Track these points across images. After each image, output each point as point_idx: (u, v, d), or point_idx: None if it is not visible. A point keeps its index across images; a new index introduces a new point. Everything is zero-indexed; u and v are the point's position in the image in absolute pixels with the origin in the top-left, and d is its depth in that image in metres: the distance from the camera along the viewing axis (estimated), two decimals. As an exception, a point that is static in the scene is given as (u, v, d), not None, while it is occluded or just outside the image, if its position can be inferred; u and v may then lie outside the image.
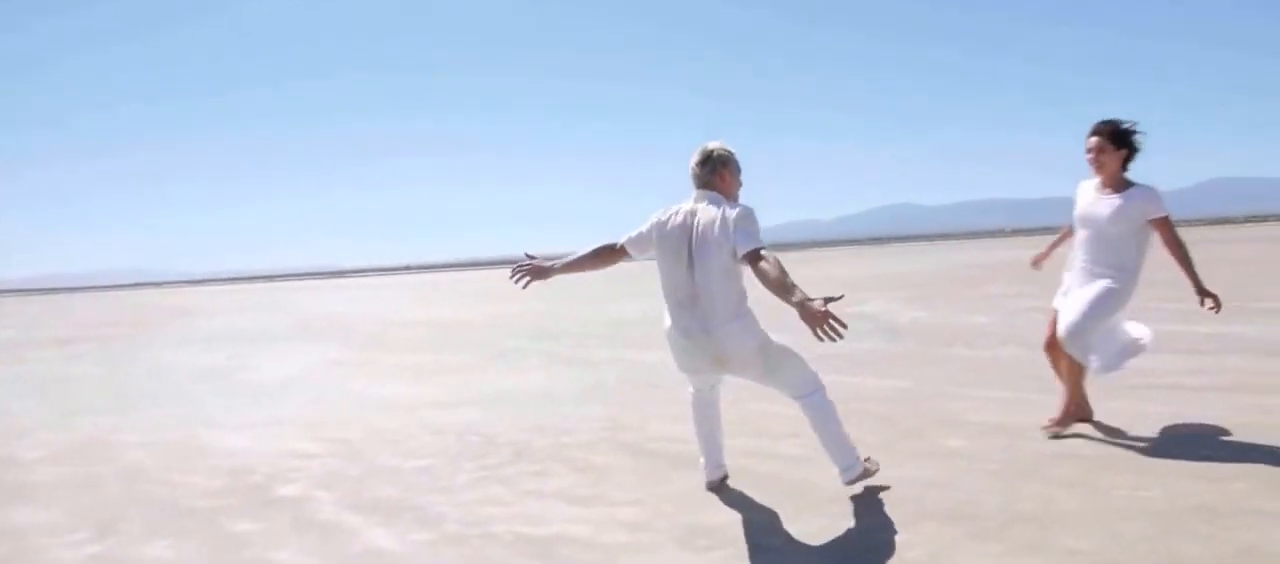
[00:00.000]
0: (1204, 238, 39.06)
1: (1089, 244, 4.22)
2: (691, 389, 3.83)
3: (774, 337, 3.52)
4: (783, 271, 3.12)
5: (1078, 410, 4.37)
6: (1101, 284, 4.14)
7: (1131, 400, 5.08)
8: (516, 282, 3.71)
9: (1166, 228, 4.12)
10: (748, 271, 3.32)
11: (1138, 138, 4.13)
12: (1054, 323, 4.34)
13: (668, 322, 3.52)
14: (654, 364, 7.94)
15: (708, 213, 3.38)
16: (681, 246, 3.40)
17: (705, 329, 3.36)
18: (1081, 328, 4.12)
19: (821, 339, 2.92)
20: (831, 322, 2.90)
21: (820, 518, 3.40)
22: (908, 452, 4.25)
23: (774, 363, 3.46)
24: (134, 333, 17.14)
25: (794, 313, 3.00)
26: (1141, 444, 4.14)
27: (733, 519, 3.44)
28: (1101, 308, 4.12)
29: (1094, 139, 4.15)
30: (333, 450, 5.06)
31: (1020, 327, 8.97)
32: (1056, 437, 4.27)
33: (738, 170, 3.55)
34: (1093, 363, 4.17)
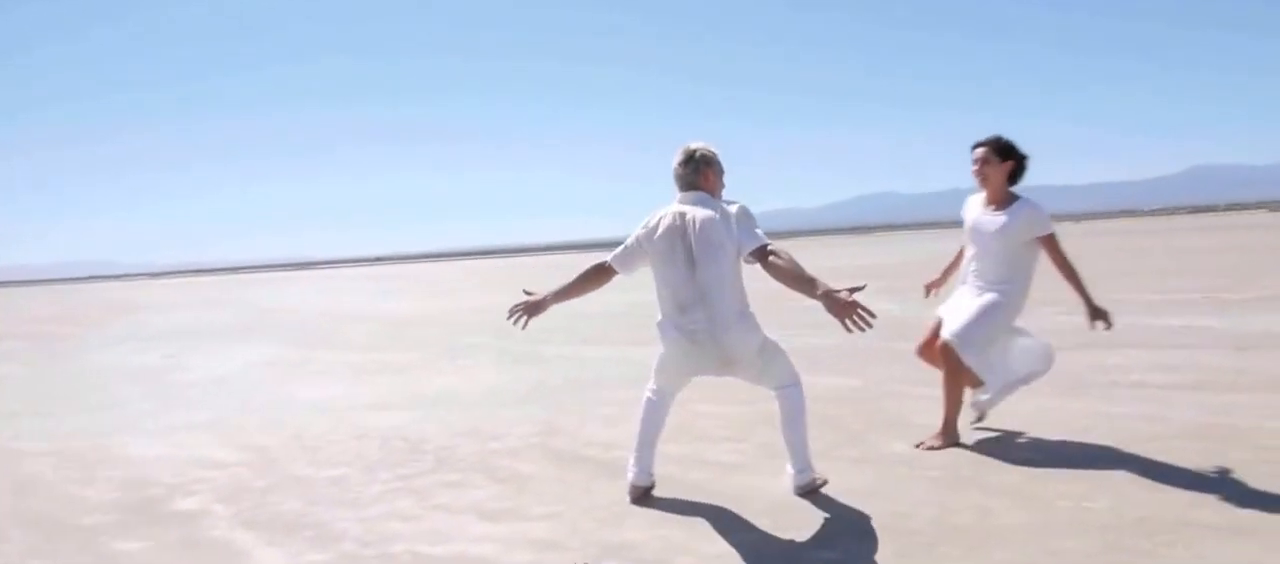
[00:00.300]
0: (1185, 226, 39.45)
1: (978, 260, 4.10)
2: (653, 388, 3.59)
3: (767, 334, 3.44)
4: (797, 264, 3.05)
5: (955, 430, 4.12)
6: (989, 296, 4.00)
7: (1092, 400, 4.90)
8: (515, 322, 3.55)
9: (1052, 246, 3.95)
10: (747, 270, 3.28)
11: (1023, 154, 4.01)
12: (935, 329, 4.17)
13: (665, 322, 3.35)
14: (605, 360, 7.70)
15: (702, 213, 3.27)
16: (676, 248, 3.27)
17: (711, 331, 3.23)
18: (973, 338, 3.96)
19: (850, 330, 2.86)
20: (860, 312, 2.83)
21: (744, 533, 3.15)
22: (848, 457, 4.03)
23: (769, 359, 3.39)
24: (76, 330, 16.64)
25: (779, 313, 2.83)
26: (1095, 449, 3.92)
27: (651, 536, 3.17)
28: (989, 318, 3.96)
29: (980, 150, 4.02)
30: (246, 458, 4.75)
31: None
32: (932, 449, 4.03)
33: (721, 171, 3.47)
34: (987, 386, 4.06)
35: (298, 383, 7.55)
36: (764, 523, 3.23)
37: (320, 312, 17.90)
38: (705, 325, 3.23)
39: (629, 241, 3.44)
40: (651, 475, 3.64)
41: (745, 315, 3.30)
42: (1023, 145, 4.00)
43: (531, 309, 3.51)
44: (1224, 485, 3.30)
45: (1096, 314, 3.88)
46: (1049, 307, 9.72)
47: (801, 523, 3.21)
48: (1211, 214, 60.91)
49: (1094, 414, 4.53)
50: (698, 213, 3.27)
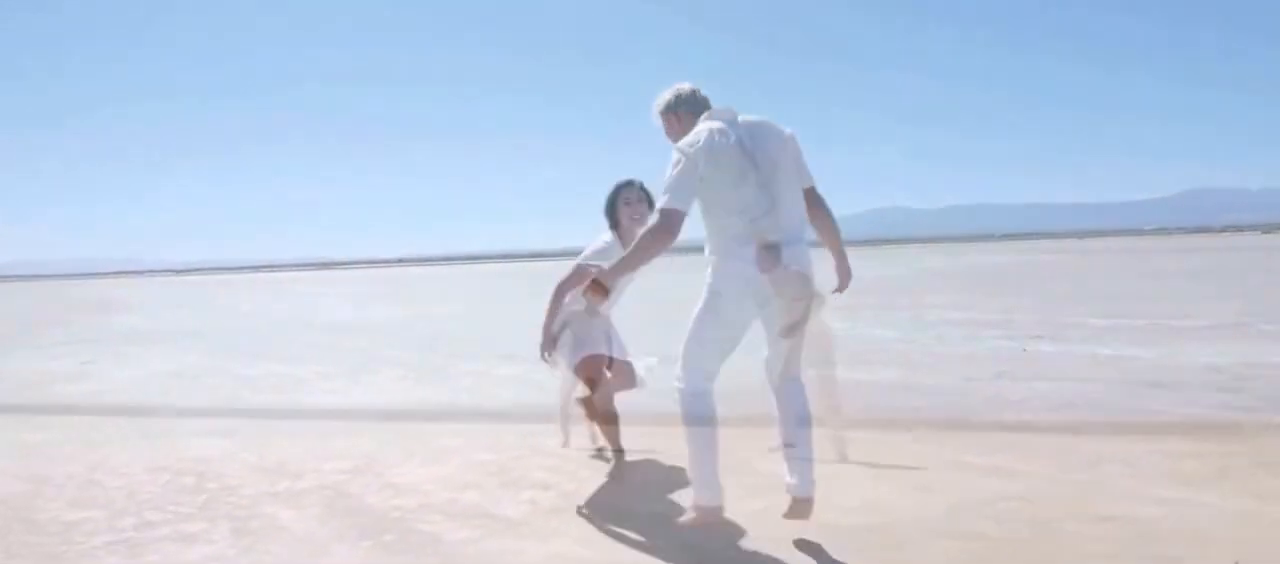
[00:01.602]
0: (1177, 247, 38.40)
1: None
2: (687, 375, 3.04)
3: None
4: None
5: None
6: None
7: (958, 447, 4.34)
8: (587, 310, 3.39)
9: None
10: None
11: None
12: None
13: (729, 253, 2.90)
14: (510, 381, 7.25)
15: (761, 126, 3.00)
16: (737, 160, 2.88)
17: (790, 245, 2.86)
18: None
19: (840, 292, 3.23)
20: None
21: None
22: (657, 514, 3.49)
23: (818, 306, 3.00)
24: (21, 330, 16.38)
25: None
26: (920, 519, 3.34)
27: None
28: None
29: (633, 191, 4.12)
30: (11, 492, 4.28)
31: (918, 342, 8.26)
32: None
33: None
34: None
35: (170, 399, 7.11)
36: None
37: (281, 318, 17.59)
38: (786, 237, 2.87)
39: (679, 178, 2.87)
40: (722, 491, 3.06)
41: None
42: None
43: (597, 288, 3.03)
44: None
45: None
46: (991, 329, 9.16)
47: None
48: (1206, 235, 60.65)
49: (948, 464, 3.97)
50: (756, 125, 2.99)
